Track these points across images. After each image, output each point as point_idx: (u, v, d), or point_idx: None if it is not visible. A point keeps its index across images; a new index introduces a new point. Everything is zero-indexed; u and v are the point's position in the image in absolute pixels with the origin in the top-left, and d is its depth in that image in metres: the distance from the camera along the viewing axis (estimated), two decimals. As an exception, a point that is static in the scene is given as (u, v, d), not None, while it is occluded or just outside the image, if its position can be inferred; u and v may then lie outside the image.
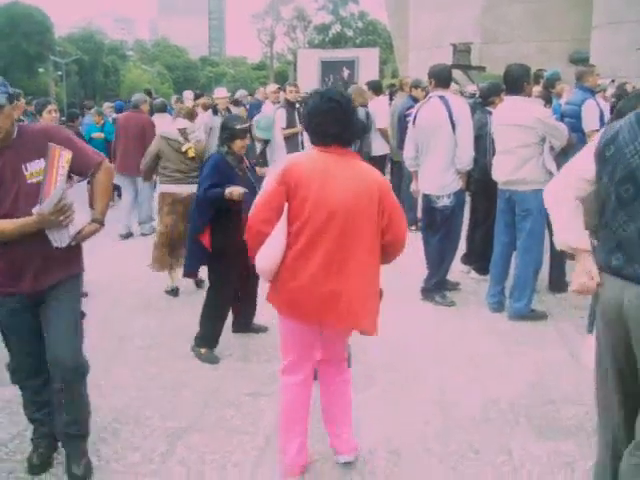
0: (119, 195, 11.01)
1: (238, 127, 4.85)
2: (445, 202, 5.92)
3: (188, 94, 13.38)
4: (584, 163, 2.75)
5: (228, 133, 4.86)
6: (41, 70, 56.12)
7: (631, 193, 2.54)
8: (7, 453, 3.64)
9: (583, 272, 2.73)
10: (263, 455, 3.58)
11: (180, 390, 4.39)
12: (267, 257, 3.12)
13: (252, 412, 4.05)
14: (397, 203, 3.27)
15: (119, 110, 12.70)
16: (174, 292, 6.47)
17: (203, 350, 4.90)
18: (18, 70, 52.29)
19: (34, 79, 53.53)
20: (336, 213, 3.05)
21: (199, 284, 6.59)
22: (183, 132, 6.37)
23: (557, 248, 2.92)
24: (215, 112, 9.63)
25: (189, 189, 6.07)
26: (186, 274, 5.21)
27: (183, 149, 6.29)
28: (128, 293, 6.53)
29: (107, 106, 13.97)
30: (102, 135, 11.54)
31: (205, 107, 10.37)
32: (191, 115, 6.69)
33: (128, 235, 9.32)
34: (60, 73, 56.12)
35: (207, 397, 4.27)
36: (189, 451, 3.62)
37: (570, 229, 2.77)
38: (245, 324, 5.33)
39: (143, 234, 9.33)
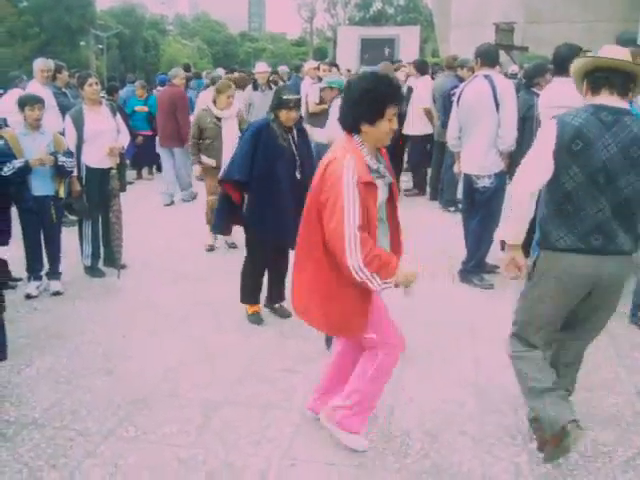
0: (158, 169, 11.21)
1: (284, 97, 4.77)
2: (485, 183, 5.84)
3: (220, 70, 13.47)
4: (542, 162, 3.13)
5: (276, 102, 4.83)
6: (82, 43, 56.46)
7: (604, 182, 3.04)
8: (47, 419, 3.72)
9: (512, 264, 3.40)
10: (298, 431, 3.60)
11: (215, 363, 4.43)
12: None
13: (286, 388, 4.07)
14: (333, 193, 2.96)
15: (162, 84, 12.76)
16: (210, 249, 7.18)
17: (250, 310, 5.15)
18: (60, 43, 52.73)
19: (75, 52, 53.87)
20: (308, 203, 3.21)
21: (232, 245, 7.16)
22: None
23: (499, 237, 3.57)
24: (255, 87, 9.61)
25: None
26: (213, 231, 5.49)
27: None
28: (165, 265, 6.58)
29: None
30: (146, 108, 11.63)
31: (235, 83, 10.49)
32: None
33: (171, 203, 9.75)
34: (101, 47, 56.44)
35: (242, 371, 4.30)
36: (224, 425, 3.66)
37: (519, 227, 3.29)
38: (275, 297, 5.38)
39: (184, 200, 9.84)
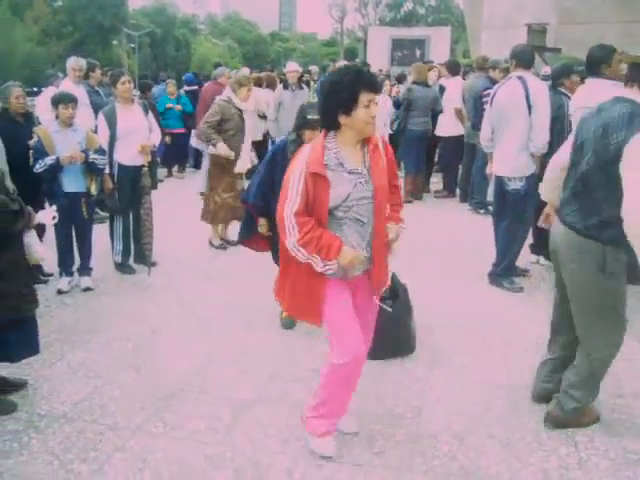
0: (196, 166, 11.84)
1: (309, 117, 4.43)
2: (517, 185, 5.79)
3: (245, 70, 13.60)
4: None
5: (300, 121, 4.59)
6: (115, 42, 57.11)
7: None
8: (77, 413, 3.77)
9: None
10: (325, 431, 3.59)
11: (245, 362, 4.45)
12: None
13: (316, 388, 4.06)
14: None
15: (189, 83, 12.85)
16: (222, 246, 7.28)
17: (286, 314, 4.99)
18: (93, 42, 53.42)
19: (108, 51, 54.50)
20: None
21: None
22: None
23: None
24: (286, 86, 9.64)
25: None
26: (238, 242, 5.43)
27: None
28: (195, 263, 6.63)
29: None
30: (179, 107, 11.75)
31: (256, 83, 11.01)
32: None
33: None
34: (133, 45, 57.03)
35: (272, 370, 4.31)
36: (253, 423, 3.67)
37: None
38: None
39: None
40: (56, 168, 5.44)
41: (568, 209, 3.44)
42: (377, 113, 3.05)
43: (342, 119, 2.98)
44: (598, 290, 3.36)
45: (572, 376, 3.58)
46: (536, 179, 5.87)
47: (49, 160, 5.38)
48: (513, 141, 5.74)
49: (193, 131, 11.08)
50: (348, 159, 3.06)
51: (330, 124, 3.05)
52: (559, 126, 5.90)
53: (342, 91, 2.92)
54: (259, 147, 9.73)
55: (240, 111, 6.87)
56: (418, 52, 26.53)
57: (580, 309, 3.49)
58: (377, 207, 3.14)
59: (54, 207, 4.50)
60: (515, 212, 5.89)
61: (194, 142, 10.61)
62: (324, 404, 3.34)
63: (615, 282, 3.33)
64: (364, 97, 2.93)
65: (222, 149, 6.65)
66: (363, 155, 3.12)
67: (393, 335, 4.29)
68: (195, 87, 12.67)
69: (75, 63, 7.93)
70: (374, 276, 3.28)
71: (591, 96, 5.24)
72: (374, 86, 3.00)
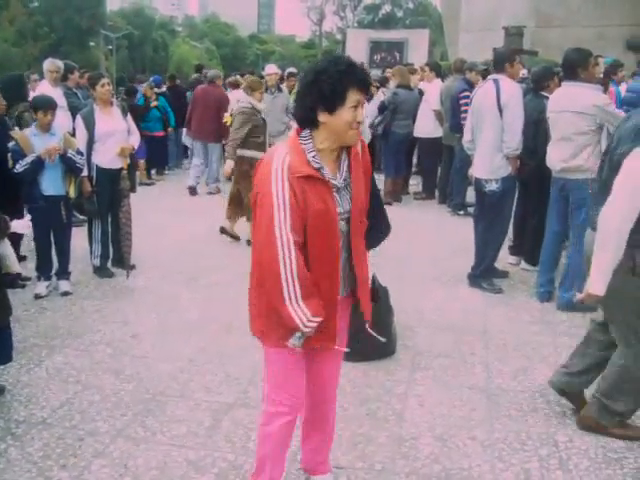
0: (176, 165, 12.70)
1: None
2: (492, 187, 5.84)
3: (214, 71, 13.71)
4: None
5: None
6: (92, 44, 56.66)
7: None
8: (56, 419, 3.72)
9: None
10: (307, 434, 3.58)
11: (226, 365, 4.42)
12: None
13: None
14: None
15: (157, 85, 12.77)
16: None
17: None
18: (70, 43, 52.91)
19: (85, 53, 53.95)
20: None
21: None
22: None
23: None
24: (265, 89, 9.60)
25: None
26: None
27: (224, 120, 6.94)
28: (175, 266, 6.58)
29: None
30: (155, 103, 11.77)
31: (231, 85, 12.05)
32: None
33: (193, 193, 10.56)
34: (110, 47, 56.66)
35: (253, 374, 4.29)
36: (235, 426, 3.65)
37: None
38: None
39: (210, 193, 10.51)
40: (38, 166, 5.39)
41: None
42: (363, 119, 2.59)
43: (322, 116, 2.45)
44: (632, 294, 3.36)
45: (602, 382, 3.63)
46: (513, 181, 5.94)
47: (29, 158, 5.33)
48: (487, 143, 5.83)
49: (184, 130, 11.77)
50: (326, 165, 2.52)
51: (306, 120, 2.50)
52: (542, 130, 5.94)
53: (329, 83, 2.39)
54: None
55: (260, 112, 7.25)
56: (397, 55, 26.58)
57: (615, 315, 3.51)
58: (354, 226, 2.65)
59: (29, 217, 4.48)
60: (492, 214, 5.95)
61: (186, 140, 11.71)
62: (255, 461, 2.90)
63: None
64: (353, 96, 2.42)
65: (228, 165, 7.23)
66: (340, 163, 2.59)
67: (374, 337, 4.28)
68: (164, 90, 12.72)
69: (52, 65, 7.86)
70: (364, 307, 2.83)
71: (568, 99, 5.30)
72: (366, 86, 2.50)
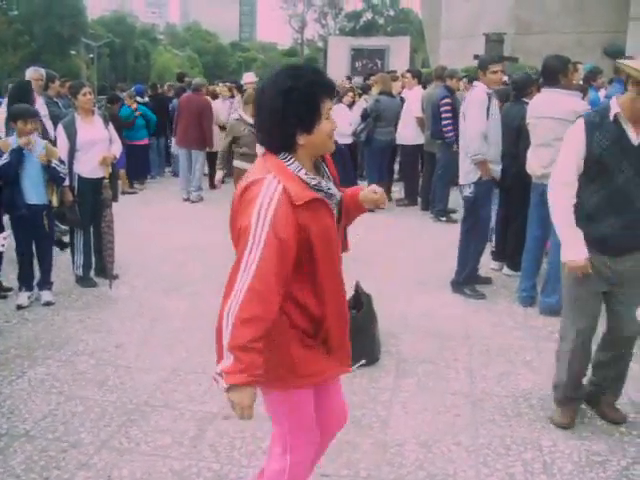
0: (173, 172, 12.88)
1: None
2: (466, 192, 5.93)
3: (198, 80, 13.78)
4: None
5: None
6: (73, 52, 56.45)
7: None
8: (39, 431, 3.69)
9: None
10: (292, 442, 3.58)
11: (210, 375, 4.39)
12: None
13: None
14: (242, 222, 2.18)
15: (139, 94, 12.74)
16: None
17: None
18: (51, 52, 52.66)
19: (66, 61, 53.76)
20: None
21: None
22: None
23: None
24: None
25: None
26: None
27: None
28: (159, 276, 6.55)
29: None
30: (139, 112, 11.73)
31: (209, 94, 12.02)
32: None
33: (187, 199, 10.78)
34: (92, 56, 56.41)
35: (236, 383, 4.27)
36: (219, 436, 3.64)
37: None
38: None
39: (192, 201, 10.70)
40: (18, 156, 5.35)
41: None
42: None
43: (302, 139, 2.21)
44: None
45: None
46: (487, 186, 5.96)
47: (9, 151, 5.31)
48: (461, 149, 6.03)
49: (173, 139, 11.97)
50: (312, 179, 2.28)
51: (284, 146, 2.24)
52: (523, 136, 5.97)
53: (302, 102, 2.16)
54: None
55: (251, 126, 7.04)
56: (379, 62, 26.73)
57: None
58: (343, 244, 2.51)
59: (6, 232, 4.46)
60: (471, 219, 6.01)
61: (174, 148, 11.92)
62: None
63: None
64: (326, 106, 2.22)
65: (242, 166, 7.10)
66: (320, 171, 2.39)
67: (358, 344, 4.29)
68: (146, 100, 12.73)
69: (35, 73, 7.80)
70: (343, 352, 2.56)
71: (547, 105, 5.35)
72: (334, 90, 2.33)
